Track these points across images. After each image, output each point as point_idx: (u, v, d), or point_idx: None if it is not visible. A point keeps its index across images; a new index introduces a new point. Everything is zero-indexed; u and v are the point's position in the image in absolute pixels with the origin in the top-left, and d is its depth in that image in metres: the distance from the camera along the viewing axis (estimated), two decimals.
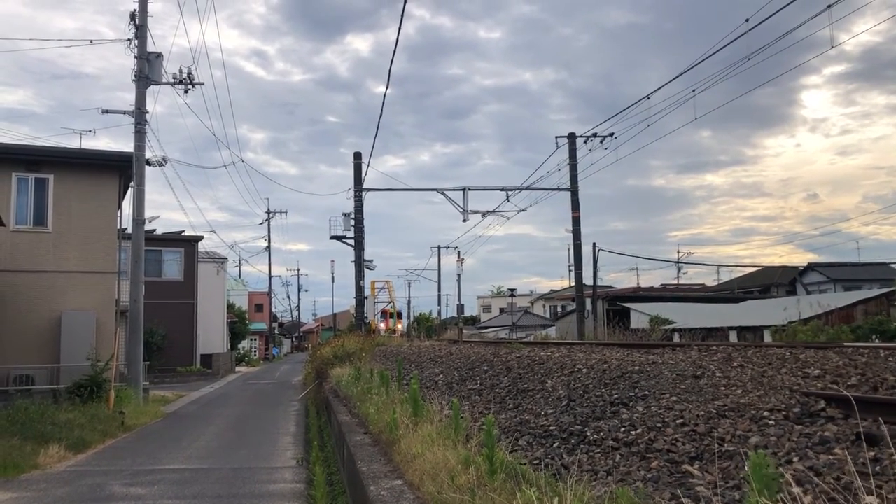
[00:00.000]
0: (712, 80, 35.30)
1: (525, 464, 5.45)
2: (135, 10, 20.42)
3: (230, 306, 49.97)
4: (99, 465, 11.20)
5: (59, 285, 19.56)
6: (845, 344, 11.41)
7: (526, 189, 33.99)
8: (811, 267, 54.24)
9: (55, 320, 19.28)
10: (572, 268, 35.26)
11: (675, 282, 65.89)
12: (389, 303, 64.66)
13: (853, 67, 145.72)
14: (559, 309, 66.59)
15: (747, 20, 16.85)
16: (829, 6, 15.19)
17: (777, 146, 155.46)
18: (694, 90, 20.77)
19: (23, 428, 13.04)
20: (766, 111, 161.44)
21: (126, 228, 21.97)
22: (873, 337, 19.82)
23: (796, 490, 3.07)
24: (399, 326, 60.59)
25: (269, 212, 66.17)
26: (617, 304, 45.26)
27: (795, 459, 4.80)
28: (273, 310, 77.08)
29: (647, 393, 7.52)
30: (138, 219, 20.44)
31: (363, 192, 35.55)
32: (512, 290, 63.24)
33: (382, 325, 56.64)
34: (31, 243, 19.58)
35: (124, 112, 21.00)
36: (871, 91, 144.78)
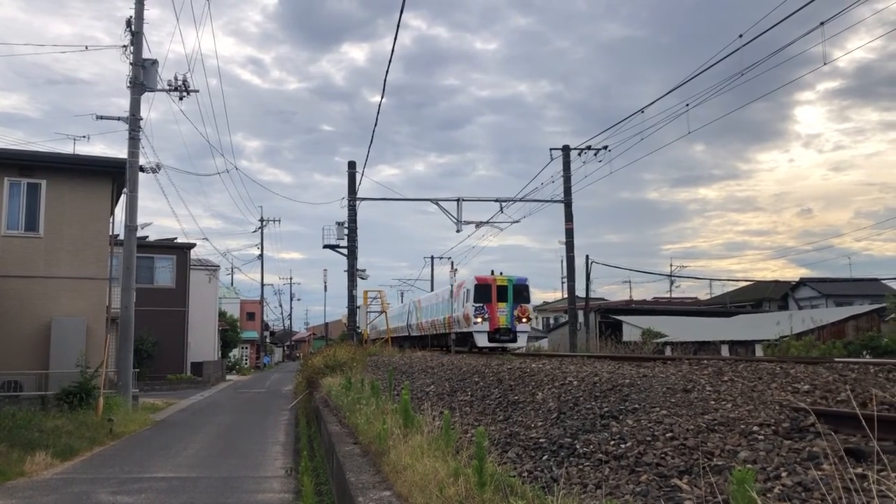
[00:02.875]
0: (706, 94, 35.44)
1: (514, 476, 5.44)
2: (131, 16, 20.42)
3: (222, 314, 49.81)
4: (86, 472, 11.12)
5: (49, 291, 19.45)
6: (836, 360, 11.46)
7: (520, 200, 34.05)
8: (803, 282, 54.40)
9: (45, 326, 19.17)
10: (565, 280, 35.27)
11: (667, 295, 65.97)
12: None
13: (847, 84, 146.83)
14: (552, 321, 66.54)
15: (741, 36, 17.00)
16: (821, 23, 15.33)
17: (770, 161, 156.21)
18: (688, 104, 20.87)
19: (9, 434, 12.94)
20: (760, 126, 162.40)
21: (118, 235, 21.91)
22: (864, 353, 19.86)
23: None
24: (527, 320, 26.78)
25: (262, 220, 65.90)
26: (609, 316, 45.30)
27: (784, 474, 4.80)
28: (265, 318, 76.85)
29: (637, 406, 7.52)
30: (131, 225, 20.38)
31: (357, 202, 35.55)
32: None
33: (480, 321, 25.74)
34: (23, 248, 19.49)
35: (119, 118, 20.97)
36: (864, 107, 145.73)
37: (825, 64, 16.95)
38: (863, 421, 4.70)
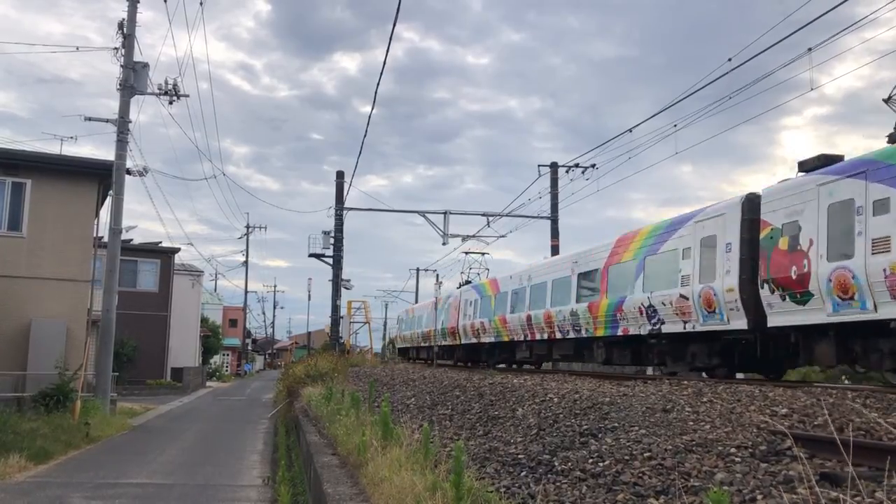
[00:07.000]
0: (695, 116, 35.80)
1: (492, 492, 5.44)
2: (123, 19, 20.36)
3: (204, 320, 49.47)
4: (60, 476, 10.99)
5: (30, 292, 19.24)
6: (814, 384, 11.53)
7: (507, 215, 34.13)
8: None
9: (24, 327, 18.95)
10: None
11: None
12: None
13: (835, 110, 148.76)
14: None
15: (730, 59, 17.13)
16: (809, 49, 15.52)
17: (757, 185, 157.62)
18: (676, 125, 20.98)
19: None
20: (747, 149, 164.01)
21: (102, 237, 21.75)
22: (843, 378, 20.02)
23: None
24: None
25: (248, 227, 65.63)
26: None
27: (759, 497, 4.83)
28: (247, 325, 76.35)
29: (616, 425, 7.55)
30: (115, 228, 20.24)
31: (344, 212, 35.52)
32: None
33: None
34: (5, 248, 19.27)
35: (107, 120, 20.86)
36: (851, 134, 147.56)
37: (812, 89, 17.11)
38: (841, 446, 4.74)
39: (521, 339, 21.83)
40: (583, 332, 18.09)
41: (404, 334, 39.93)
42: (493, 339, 24.24)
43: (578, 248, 19.87)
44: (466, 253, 35.26)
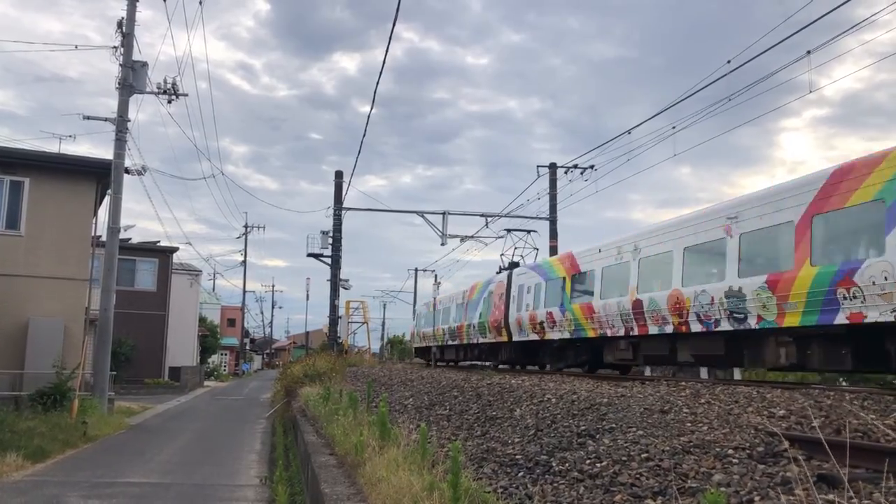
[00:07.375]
0: (694, 117, 35.83)
1: (489, 492, 5.44)
2: (122, 18, 20.36)
3: (202, 319, 49.45)
4: (56, 475, 10.98)
5: (28, 290, 19.23)
6: (812, 385, 11.54)
7: (505, 216, 34.12)
8: None
9: (22, 326, 18.94)
10: None
11: None
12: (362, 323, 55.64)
13: (833, 112, 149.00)
14: None
15: (729, 61, 17.13)
16: (808, 52, 15.53)
17: (756, 186, 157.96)
18: (674, 126, 20.95)
19: None
20: (746, 151, 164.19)
21: (101, 236, 21.74)
22: (840, 380, 20.06)
23: None
24: None
25: (246, 226, 65.66)
26: None
27: (757, 499, 4.84)
28: (245, 325, 76.35)
29: (614, 426, 7.55)
30: (114, 227, 20.23)
31: (343, 211, 35.50)
32: None
33: None
34: (3, 247, 19.25)
35: (106, 119, 20.86)
36: (849, 136, 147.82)
37: (811, 92, 17.11)
38: (827, 447, 4.74)
39: (619, 334, 15.81)
40: (750, 321, 11.81)
41: (424, 331, 33.95)
42: (566, 335, 18.32)
43: (731, 197, 13.09)
44: (508, 231, 30.16)
